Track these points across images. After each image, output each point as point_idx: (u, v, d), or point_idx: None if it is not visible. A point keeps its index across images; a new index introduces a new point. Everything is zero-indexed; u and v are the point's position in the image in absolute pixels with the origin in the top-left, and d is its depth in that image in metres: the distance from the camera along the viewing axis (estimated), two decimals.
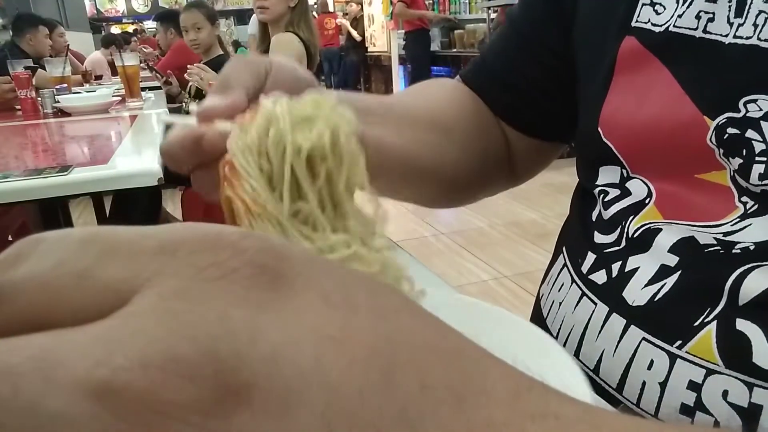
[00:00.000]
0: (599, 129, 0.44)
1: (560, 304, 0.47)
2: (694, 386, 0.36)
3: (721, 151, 0.36)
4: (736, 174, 0.36)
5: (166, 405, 0.12)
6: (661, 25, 0.39)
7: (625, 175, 0.43)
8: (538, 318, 0.51)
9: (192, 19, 2.90)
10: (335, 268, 0.16)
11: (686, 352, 0.37)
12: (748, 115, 0.34)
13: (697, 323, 0.36)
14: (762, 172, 0.34)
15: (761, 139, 0.34)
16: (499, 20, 5.14)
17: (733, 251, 0.36)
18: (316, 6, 8.06)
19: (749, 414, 0.34)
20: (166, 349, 0.13)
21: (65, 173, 1.15)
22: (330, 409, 0.13)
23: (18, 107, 2.29)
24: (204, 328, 0.13)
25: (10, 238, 2.11)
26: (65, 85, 2.50)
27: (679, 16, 0.38)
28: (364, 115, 0.40)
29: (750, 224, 0.35)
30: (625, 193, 0.43)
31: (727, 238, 0.36)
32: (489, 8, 5.73)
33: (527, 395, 0.15)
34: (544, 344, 0.39)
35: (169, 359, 0.13)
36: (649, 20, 0.40)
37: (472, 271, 2.64)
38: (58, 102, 2.17)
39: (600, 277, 0.43)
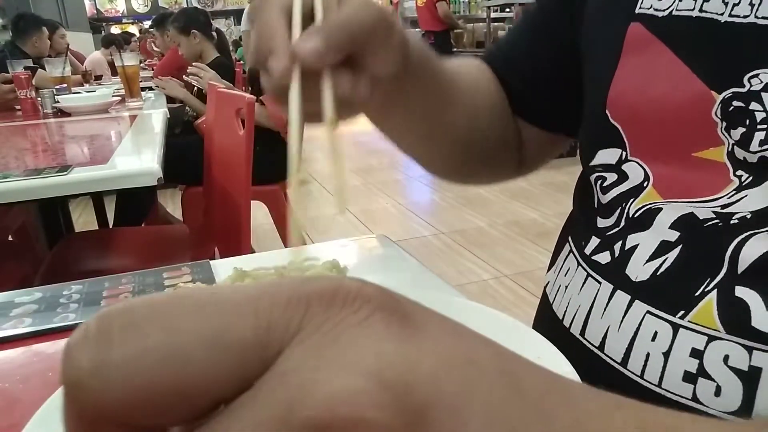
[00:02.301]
0: (606, 111, 0.45)
1: (566, 287, 0.49)
2: (697, 353, 0.37)
3: (724, 124, 0.38)
4: (734, 146, 0.38)
5: None
6: (664, 10, 0.41)
7: (623, 157, 0.45)
8: (544, 305, 0.53)
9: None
10: (426, 307, 0.18)
11: (689, 321, 0.38)
12: (752, 89, 0.36)
13: (698, 293, 0.38)
14: (762, 138, 0.36)
15: (762, 109, 0.36)
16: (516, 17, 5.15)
17: (731, 222, 0.38)
18: None
19: (749, 377, 0.35)
20: (344, 387, 0.14)
21: (65, 173, 1.15)
22: (490, 417, 0.15)
23: (18, 107, 2.29)
24: (367, 363, 0.14)
25: (10, 238, 2.11)
26: (65, 85, 2.50)
27: (680, 0, 0.40)
28: (425, 77, 0.47)
29: (746, 195, 0.37)
30: (623, 177, 0.45)
31: (725, 210, 0.38)
32: (489, 8, 5.73)
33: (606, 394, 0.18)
34: (542, 346, 0.39)
35: (352, 395, 0.14)
36: (651, 6, 0.42)
37: (472, 270, 2.64)
38: (58, 102, 2.17)
39: (604, 257, 0.45)
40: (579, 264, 0.48)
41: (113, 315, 0.14)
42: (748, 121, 0.36)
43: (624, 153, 0.45)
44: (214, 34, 3.14)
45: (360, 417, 0.13)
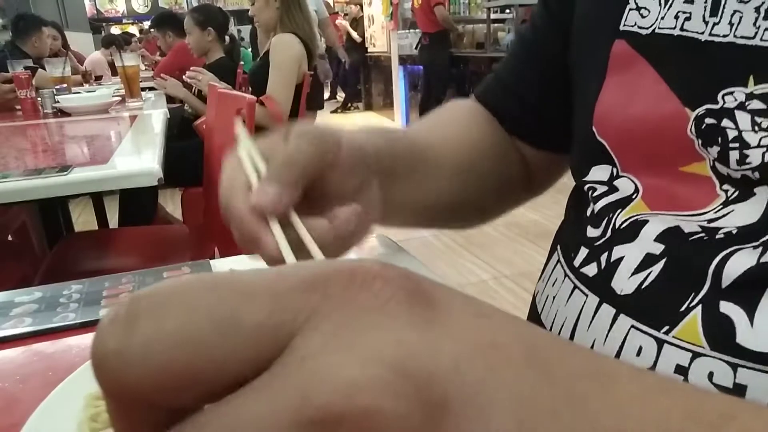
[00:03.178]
0: (593, 128, 0.45)
1: (554, 298, 0.48)
2: (681, 370, 0.37)
3: (700, 141, 0.38)
4: (716, 162, 0.37)
5: (385, 427, 0.13)
6: (647, 28, 0.41)
7: (615, 174, 0.45)
8: (533, 314, 0.52)
9: (186, 24, 2.98)
10: (448, 287, 0.17)
11: (673, 336, 0.37)
12: (725, 106, 0.36)
13: (683, 308, 0.37)
14: (738, 158, 0.36)
15: (734, 127, 0.36)
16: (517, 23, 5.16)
17: (717, 236, 0.37)
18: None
19: (734, 394, 0.34)
20: (362, 376, 0.13)
21: (65, 173, 1.15)
22: (515, 405, 0.14)
23: (18, 107, 2.29)
24: (388, 351, 0.14)
25: (9, 238, 2.11)
26: (65, 85, 2.51)
27: (662, 18, 0.40)
28: (398, 167, 0.46)
29: (732, 210, 0.37)
30: (613, 189, 0.45)
31: (711, 225, 0.38)
32: (489, 9, 5.73)
33: (646, 372, 0.17)
34: None
35: (370, 384, 0.13)
36: (635, 23, 0.42)
37: (472, 270, 2.64)
38: (58, 102, 2.17)
39: (591, 269, 0.44)
40: (566, 275, 0.47)
41: (141, 298, 0.14)
42: (720, 139, 0.36)
43: (615, 169, 0.45)
44: (227, 37, 3.16)
45: (378, 407, 0.13)
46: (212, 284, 0.15)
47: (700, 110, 0.37)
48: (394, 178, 0.46)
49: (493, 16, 5.84)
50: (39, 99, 2.24)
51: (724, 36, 0.36)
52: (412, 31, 6.46)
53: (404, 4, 6.71)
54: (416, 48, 6.00)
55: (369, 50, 7.89)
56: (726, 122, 0.36)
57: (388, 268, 0.16)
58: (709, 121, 0.37)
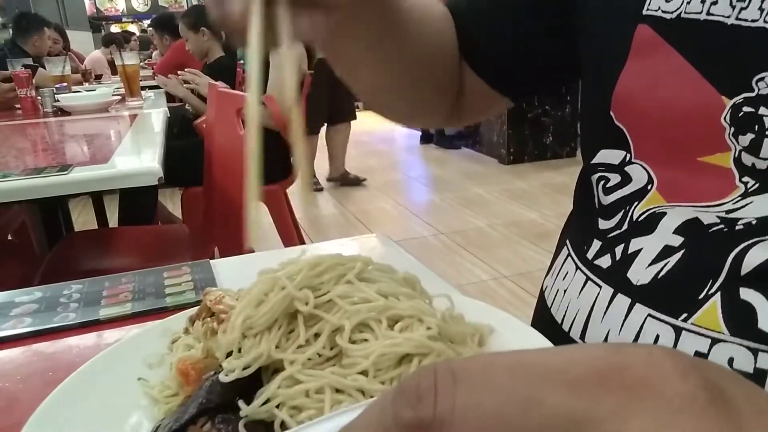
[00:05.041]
0: (611, 112, 0.45)
1: (565, 291, 0.49)
2: (700, 356, 0.37)
3: (732, 129, 0.37)
4: (742, 152, 0.37)
5: None
6: (672, 12, 0.41)
7: (627, 159, 0.45)
8: (542, 309, 0.52)
9: (180, 31, 2.99)
10: (734, 374, 0.17)
11: (692, 324, 0.38)
12: (760, 92, 0.36)
13: (701, 296, 0.38)
14: None
15: None
16: None
17: (736, 227, 0.37)
18: None
19: (755, 379, 0.35)
20: None
21: (65, 172, 1.15)
22: None
23: (18, 106, 2.29)
24: None
25: (9, 238, 2.11)
26: (65, 84, 2.51)
27: (688, 2, 0.40)
28: None
29: (751, 202, 0.37)
30: (626, 179, 0.45)
31: (730, 216, 0.38)
32: None
33: None
34: (542, 345, 0.39)
35: None
36: (659, 8, 0.42)
37: (471, 270, 2.64)
38: (58, 101, 2.17)
39: (605, 261, 0.45)
40: (578, 267, 0.48)
41: (455, 369, 0.16)
42: (757, 127, 0.36)
43: (628, 155, 0.44)
44: (223, 33, 3.15)
45: None
46: (515, 364, 0.16)
47: (738, 99, 0.37)
48: (374, 13, 0.46)
49: None
50: (39, 98, 2.24)
51: (753, 21, 0.36)
52: None
53: None
54: None
55: None
56: (763, 110, 0.36)
57: (677, 359, 0.15)
58: (747, 109, 0.37)
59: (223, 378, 0.33)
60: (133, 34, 8.09)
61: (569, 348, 0.16)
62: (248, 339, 0.35)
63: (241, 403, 0.32)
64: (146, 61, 5.05)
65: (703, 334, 0.37)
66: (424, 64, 0.55)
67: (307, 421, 0.30)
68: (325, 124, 3.80)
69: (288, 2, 0.36)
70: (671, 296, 0.40)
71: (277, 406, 0.33)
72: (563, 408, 0.15)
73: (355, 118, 3.95)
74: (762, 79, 0.36)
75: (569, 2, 0.51)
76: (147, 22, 8.89)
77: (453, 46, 0.57)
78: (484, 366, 0.16)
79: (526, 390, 0.15)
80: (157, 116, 2.01)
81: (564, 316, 0.48)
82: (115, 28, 9.67)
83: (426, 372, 0.16)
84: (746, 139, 0.37)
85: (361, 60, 0.52)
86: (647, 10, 0.43)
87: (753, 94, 0.36)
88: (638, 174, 0.44)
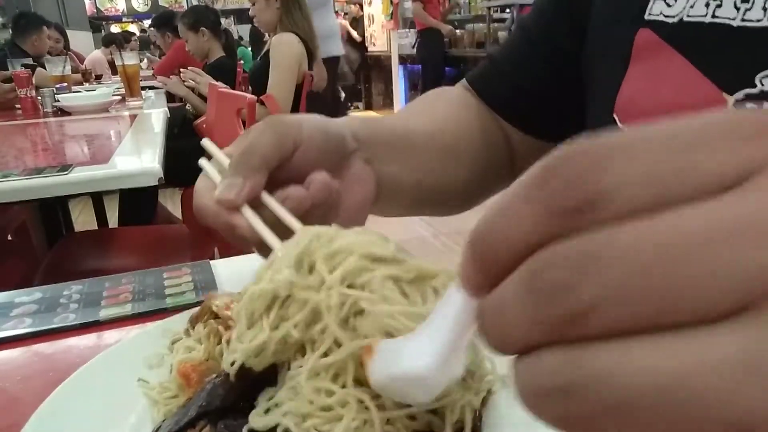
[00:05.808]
0: (614, 115, 0.45)
1: None
2: None
3: None
4: None
5: None
6: (674, 17, 0.42)
7: None
8: None
9: (180, 32, 3.00)
10: None
11: None
12: (763, 89, 0.36)
13: None
14: None
15: None
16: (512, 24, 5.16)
17: None
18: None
19: None
20: None
21: (65, 173, 1.15)
22: None
23: (18, 106, 2.29)
24: None
25: (9, 238, 2.11)
26: (65, 84, 2.51)
27: (691, 6, 0.41)
28: (379, 149, 0.47)
29: None
30: None
31: None
32: (489, 9, 5.73)
33: None
34: None
35: None
36: (661, 12, 0.43)
37: None
38: (58, 101, 2.17)
39: None
40: None
41: (607, 145, 0.17)
42: None
43: None
44: (223, 33, 3.16)
45: None
46: (671, 131, 0.16)
47: (739, 95, 0.37)
48: (380, 158, 0.47)
49: (493, 15, 5.83)
50: (39, 98, 2.24)
51: (758, 21, 0.37)
52: (411, 30, 6.45)
53: (404, 3, 6.70)
54: (413, 47, 6.01)
55: (369, 50, 7.89)
56: (767, 105, 0.36)
57: None
58: (749, 105, 0.37)
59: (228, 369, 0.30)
60: (134, 34, 8.08)
61: (708, 116, 0.16)
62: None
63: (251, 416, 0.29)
64: (151, 65, 5.02)
65: None
66: (467, 165, 0.57)
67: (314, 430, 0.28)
68: None
69: (267, 194, 0.38)
70: None
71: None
72: (715, 166, 0.14)
73: None
74: (766, 76, 0.36)
75: (582, 25, 0.52)
76: (147, 22, 8.89)
77: (488, 124, 0.59)
78: (631, 139, 0.16)
79: (680, 153, 0.15)
80: (157, 116, 2.01)
81: None
82: (115, 28, 9.66)
83: (570, 152, 0.16)
84: None
85: (411, 210, 0.55)
86: (649, 15, 0.43)
87: (755, 90, 0.37)
88: None
